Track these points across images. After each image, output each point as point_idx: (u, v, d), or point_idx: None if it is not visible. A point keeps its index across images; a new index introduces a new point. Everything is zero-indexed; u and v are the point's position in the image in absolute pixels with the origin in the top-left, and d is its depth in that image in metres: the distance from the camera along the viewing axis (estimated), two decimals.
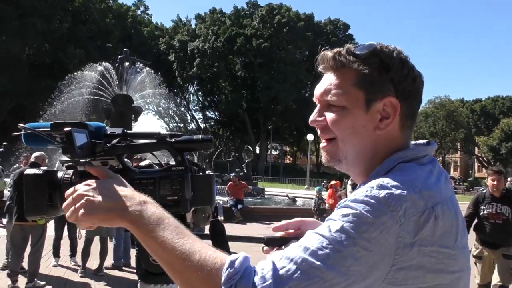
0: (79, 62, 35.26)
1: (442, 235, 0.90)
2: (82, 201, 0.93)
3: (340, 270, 0.83)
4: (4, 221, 8.34)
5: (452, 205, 0.96)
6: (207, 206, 1.07)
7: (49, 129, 0.96)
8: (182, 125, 61.45)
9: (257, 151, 55.88)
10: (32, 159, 6.56)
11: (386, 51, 1.02)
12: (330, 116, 1.05)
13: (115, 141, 1.01)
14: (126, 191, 0.96)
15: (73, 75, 21.39)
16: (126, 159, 1.06)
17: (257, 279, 0.83)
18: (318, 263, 0.83)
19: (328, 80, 1.06)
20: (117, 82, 19.13)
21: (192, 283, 0.87)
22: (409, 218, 0.87)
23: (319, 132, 1.10)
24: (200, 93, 61.40)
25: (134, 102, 17.48)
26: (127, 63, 19.22)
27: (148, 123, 62.31)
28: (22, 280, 6.40)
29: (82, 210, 0.93)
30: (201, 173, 1.09)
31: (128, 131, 1.08)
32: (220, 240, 1.11)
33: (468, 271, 1.00)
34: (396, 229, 0.86)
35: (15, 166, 8.10)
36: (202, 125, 61.21)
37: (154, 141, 1.05)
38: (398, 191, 0.89)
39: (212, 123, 62.40)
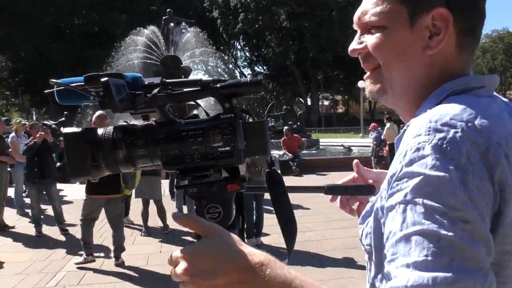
0: (125, 28, 35.72)
1: None
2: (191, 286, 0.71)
3: (466, 270, 0.63)
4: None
5: None
6: (262, 155, 0.97)
7: (83, 83, 0.88)
8: None
9: (308, 102, 55.20)
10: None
11: None
12: (370, 40, 0.90)
13: (155, 90, 0.91)
14: (233, 253, 0.72)
15: (121, 42, 21.75)
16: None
17: None
18: (443, 274, 0.62)
19: (366, 0, 0.92)
20: (164, 44, 19.27)
21: None
22: (476, 163, 0.69)
23: (362, 63, 0.95)
24: (247, 48, 60.91)
25: (183, 63, 17.59)
26: (172, 24, 19.22)
27: None
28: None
29: None
30: (252, 120, 0.98)
31: (168, 80, 0.99)
32: (278, 191, 1.01)
33: None
34: (471, 180, 0.67)
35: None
36: None
37: (198, 88, 0.95)
38: (451, 132, 0.70)
39: (261, 78, 61.79)
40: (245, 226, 1.06)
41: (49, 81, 0.88)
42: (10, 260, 6.30)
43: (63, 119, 17.99)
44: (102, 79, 0.82)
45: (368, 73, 0.95)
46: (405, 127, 0.82)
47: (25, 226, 8.12)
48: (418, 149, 0.71)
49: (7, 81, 46.69)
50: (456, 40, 0.86)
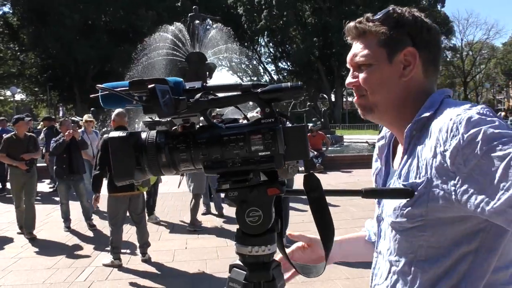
0: (152, 24, 36.02)
1: None
2: None
3: None
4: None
5: None
6: (301, 159, 0.97)
7: (127, 88, 0.90)
8: (255, 79, 61.44)
9: (332, 98, 54.75)
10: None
11: (399, 11, 1.16)
12: (361, 75, 1.19)
13: (198, 95, 0.93)
14: None
15: (148, 39, 21.98)
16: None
17: None
18: None
19: (356, 46, 1.22)
20: (190, 41, 19.39)
21: None
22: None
23: (354, 91, 1.23)
24: (271, 44, 60.71)
25: (207, 59, 17.66)
26: (197, 21, 19.33)
27: (222, 79, 63.09)
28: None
29: None
30: (291, 125, 0.99)
31: (209, 85, 1.00)
32: (316, 196, 1.01)
33: None
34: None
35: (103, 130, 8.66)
36: (275, 77, 60.80)
37: (239, 93, 0.96)
38: (479, 107, 0.98)
39: (285, 74, 61.73)
40: (284, 229, 1.07)
41: (96, 87, 0.91)
42: (41, 254, 6.45)
43: (89, 115, 18.27)
44: (149, 86, 0.84)
45: (356, 98, 1.23)
46: (410, 126, 1.10)
47: (55, 222, 8.30)
48: (469, 118, 0.93)
49: (36, 77, 47.66)
50: (423, 69, 1.16)
